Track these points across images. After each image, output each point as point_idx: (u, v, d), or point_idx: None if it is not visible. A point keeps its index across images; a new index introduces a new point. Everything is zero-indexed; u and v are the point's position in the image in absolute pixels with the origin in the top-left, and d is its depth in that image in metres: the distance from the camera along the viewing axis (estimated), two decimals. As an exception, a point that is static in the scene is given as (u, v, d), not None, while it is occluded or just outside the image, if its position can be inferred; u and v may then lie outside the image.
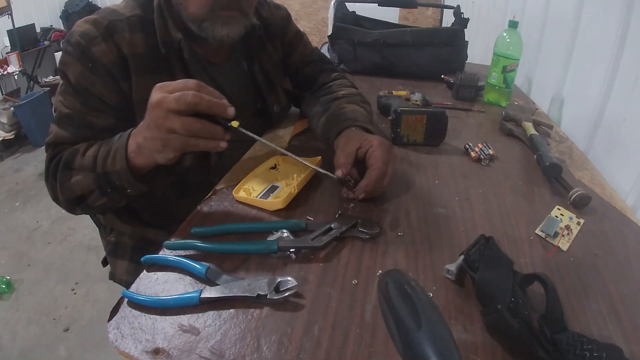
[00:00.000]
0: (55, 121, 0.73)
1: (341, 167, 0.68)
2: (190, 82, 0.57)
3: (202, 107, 0.56)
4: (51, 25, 4.40)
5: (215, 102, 0.57)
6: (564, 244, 0.62)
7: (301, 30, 1.03)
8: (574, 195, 0.70)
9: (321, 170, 0.69)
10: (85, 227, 2.27)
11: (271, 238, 0.58)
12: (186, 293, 0.49)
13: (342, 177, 0.67)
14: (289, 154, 0.68)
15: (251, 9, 0.80)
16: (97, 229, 1.02)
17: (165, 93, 0.56)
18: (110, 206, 0.72)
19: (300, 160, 0.69)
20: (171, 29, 0.76)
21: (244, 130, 0.61)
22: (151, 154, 0.61)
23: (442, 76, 1.32)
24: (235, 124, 0.59)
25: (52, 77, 4.15)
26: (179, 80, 0.57)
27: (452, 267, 0.54)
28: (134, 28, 0.74)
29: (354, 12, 1.60)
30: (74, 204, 0.71)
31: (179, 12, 0.75)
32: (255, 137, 0.63)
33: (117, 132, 0.67)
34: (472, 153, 0.86)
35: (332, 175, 0.68)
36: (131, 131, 0.64)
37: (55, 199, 0.73)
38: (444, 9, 2.98)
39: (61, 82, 0.74)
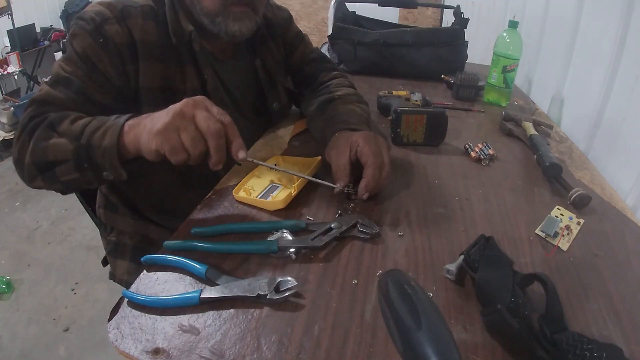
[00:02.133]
0: (50, 82, 0.70)
1: (338, 181, 0.68)
2: (212, 128, 0.56)
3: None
4: (51, 25, 4.40)
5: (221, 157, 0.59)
6: (564, 244, 0.62)
7: (302, 31, 1.03)
8: (574, 195, 0.70)
9: (323, 182, 0.69)
10: (85, 227, 2.27)
11: (271, 238, 0.58)
12: (186, 293, 0.49)
13: (340, 189, 0.67)
14: (298, 174, 0.70)
15: (262, 6, 0.81)
16: (97, 229, 1.02)
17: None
18: (76, 185, 0.67)
19: (315, 180, 0.70)
20: (182, 21, 0.77)
21: (252, 160, 0.64)
22: (145, 146, 0.58)
23: (442, 76, 1.32)
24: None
25: (52, 77, 4.15)
26: (199, 124, 0.56)
27: (452, 267, 0.54)
28: (147, 16, 0.74)
29: (354, 12, 1.60)
30: (38, 170, 0.64)
31: (191, 7, 0.77)
32: (263, 164, 0.69)
33: (112, 112, 0.64)
34: (472, 153, 0.86)
35: (332, 185, 0.68)
36: (131, 115, 0.62)
37: (19, 161, 0.65)
38: (444, 9, 2.99)
39: (66, 52, 0.72)
